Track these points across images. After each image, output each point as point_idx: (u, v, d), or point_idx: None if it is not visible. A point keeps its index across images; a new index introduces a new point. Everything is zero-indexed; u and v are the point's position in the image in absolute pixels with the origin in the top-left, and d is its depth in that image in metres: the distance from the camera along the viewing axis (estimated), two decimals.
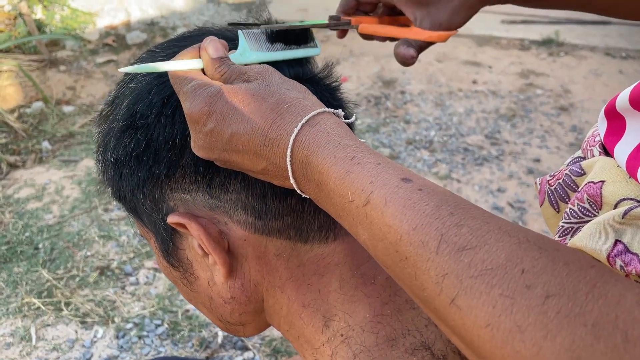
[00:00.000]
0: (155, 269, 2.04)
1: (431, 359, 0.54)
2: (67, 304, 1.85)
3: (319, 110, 0.42)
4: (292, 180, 0.42)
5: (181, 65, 0.48)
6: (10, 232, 2.20)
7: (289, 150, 0.40)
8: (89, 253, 2.11)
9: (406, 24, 0.66)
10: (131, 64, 0.55)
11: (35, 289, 1.92)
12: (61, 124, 3.03)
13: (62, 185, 2.50)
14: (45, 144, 2.82)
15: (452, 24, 0.60)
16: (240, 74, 0.47)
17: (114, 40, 4.01)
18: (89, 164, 2.66)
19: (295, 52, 0.57)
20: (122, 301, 1.88)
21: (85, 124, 3.03)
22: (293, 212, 0.53)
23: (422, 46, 0.63)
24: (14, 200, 2.39)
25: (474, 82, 3.54)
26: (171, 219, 0.52)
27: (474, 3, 0.59)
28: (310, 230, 0.54)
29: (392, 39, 0.65)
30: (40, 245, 2.14)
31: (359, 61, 3.73)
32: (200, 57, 0.49)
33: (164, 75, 0.52)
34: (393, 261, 0.36)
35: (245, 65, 0.51)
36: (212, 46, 0.49)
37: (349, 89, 3.36)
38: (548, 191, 0.52)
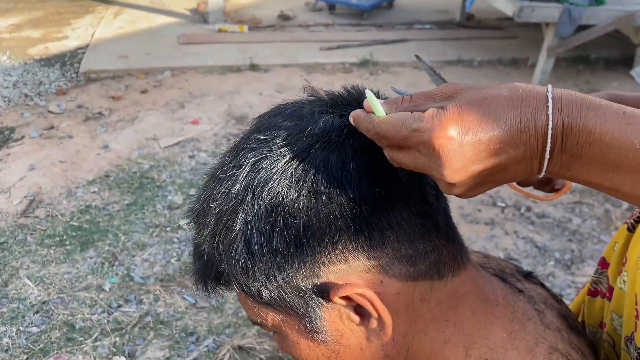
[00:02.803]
0: None
1: (560, 357, 0.61)
2: None
3: (549, 86, 0.44)
4: (547, 156, 0.43)
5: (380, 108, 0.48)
6: None
7: (550, 124, 0.42)
8: None
9: None
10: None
11: None
12: None
13: None
14: None
15: None
16: (431, 95, 0.47)
17: None
18: None
19: None
20: None
21: None
22: (435, 249, 0.56)
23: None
24: None
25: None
26: (343, 293, 0.52)
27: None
28: (447, 262, 0.58)
29: None
30: None
31: (203, 102, 3.69)
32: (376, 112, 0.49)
33: (295, 158, 0.51)
34: None
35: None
36: (374, 99, 0.49)
37: (203, 131, 3.32)
38: None
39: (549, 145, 0.42)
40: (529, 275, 0.76)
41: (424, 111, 0.45)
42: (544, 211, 2.77)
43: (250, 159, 0.53)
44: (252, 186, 0.52)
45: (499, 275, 0.71)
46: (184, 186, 2.81)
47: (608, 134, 0.41)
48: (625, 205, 2.80)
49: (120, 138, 3.24)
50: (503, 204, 2.81)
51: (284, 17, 5.56)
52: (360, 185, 0.51)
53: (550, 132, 0.42)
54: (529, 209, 2.78)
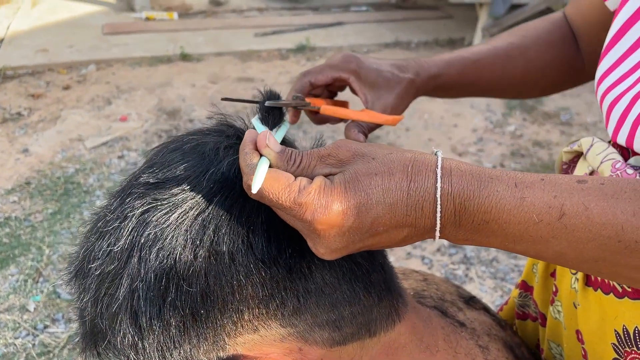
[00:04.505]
0: None
1: None
2: None
3: (441, 157, 0.41)
4: (437, 234, 0.41)
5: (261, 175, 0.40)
6: None
7: (438, 208, 0.39)
8: None
9: (346, 105, 0.73)
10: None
11: None
12: None
13: None
14: None
15: (398, 109, 0.68)
16: (323, 157, 0.43)
17: None
18: None
19: (284, 129, 0.55)
20: None
21: None
22: (365, 311, 0.49)
23: (372, 128, 0.69)
24: None
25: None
26: None
27: (412, 92, 0.69)
28: (379, 319, 0.51)
29: (345, 121, 0.69)
30: None
31: (132, 97, 3.48)
32: (262, 156, 0.43)
33: (192, 210, 0.43)
34: (612, 252, 0.37)
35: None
36: (272, 141, 0.43)
37: (132, 128, 3.13)
38: None
39: (438, 224, 0.40)
40: (470, 300, 0.69)
41: (311, 177, 0.41)
42: None
43: (137, 209, 0.43)
44: (138, 245, 0.42)
45: (439, 306, 0.64)
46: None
47: (505, 212, 0.39)
48: None
49: (42, 140, 3.02)
50: None
51: (215, 3, 5.35)
52: (270, 243, 0.43)
53: (439, 215, 0.39)
54: None
